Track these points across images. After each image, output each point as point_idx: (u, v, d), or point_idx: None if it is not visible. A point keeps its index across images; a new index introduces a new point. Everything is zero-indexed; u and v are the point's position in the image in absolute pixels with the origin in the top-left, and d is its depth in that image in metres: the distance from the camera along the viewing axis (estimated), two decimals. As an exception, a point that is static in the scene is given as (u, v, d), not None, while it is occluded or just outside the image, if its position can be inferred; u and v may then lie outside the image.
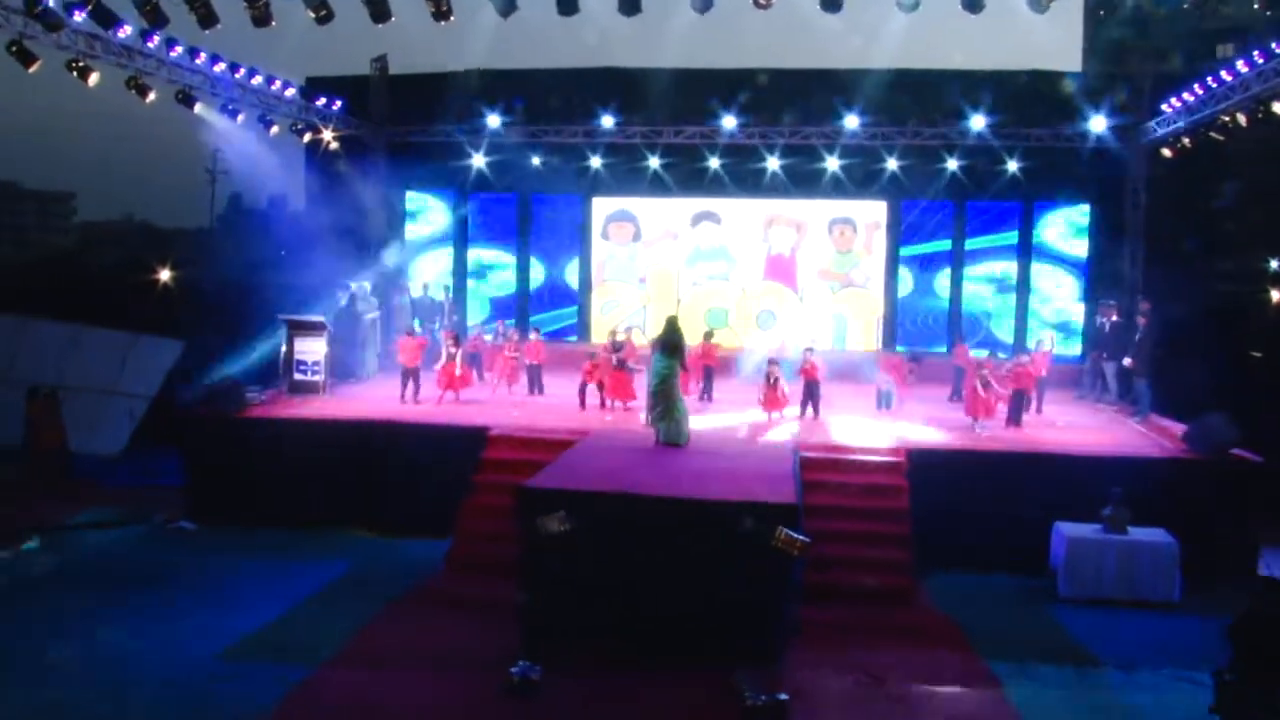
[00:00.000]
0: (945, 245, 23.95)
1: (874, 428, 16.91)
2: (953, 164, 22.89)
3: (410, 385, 18.21)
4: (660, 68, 24.25)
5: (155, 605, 12.90)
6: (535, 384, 19.30)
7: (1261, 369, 20.31)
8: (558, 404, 18.38)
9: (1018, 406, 17.06)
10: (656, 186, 23.94)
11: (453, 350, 18.20)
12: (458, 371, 18.25)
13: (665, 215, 24.70)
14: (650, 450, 14.50)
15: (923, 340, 23.49)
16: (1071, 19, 55.03)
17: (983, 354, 18.97)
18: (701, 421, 16.47)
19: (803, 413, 17.50)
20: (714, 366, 19.11)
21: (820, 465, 14.77)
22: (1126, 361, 18.08)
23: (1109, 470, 14.76)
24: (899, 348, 20.91)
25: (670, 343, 14.86)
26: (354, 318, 20.39)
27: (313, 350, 18.59)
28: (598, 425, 16.62)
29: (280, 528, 15.80)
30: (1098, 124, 21.44)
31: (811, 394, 17.55)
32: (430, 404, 18.00)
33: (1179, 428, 16.84)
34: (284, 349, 18.68)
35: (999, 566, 14.50)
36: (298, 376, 18.64)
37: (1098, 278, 22.73)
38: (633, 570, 11.31)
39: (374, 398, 18.70)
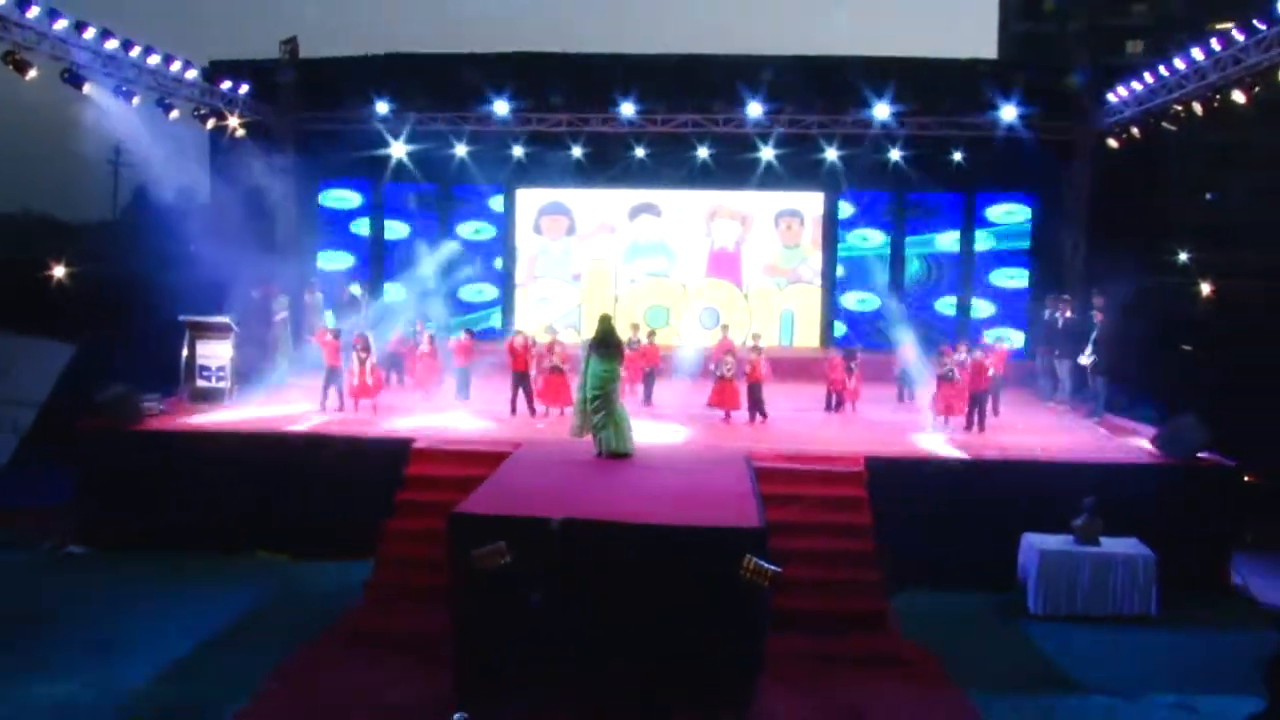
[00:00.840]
0: (885, 237, 22.90)
1: (826, 432, 15.69)
2: (894, 154, 21.80)
3: (333, 390, 16.50)
4: (586, 52, 23.03)
5: (25, 655, 11.05)
6: (462, 389, 17.69)
7: (1211, 364, 19.57)
8: (486, 410, 16.81)
9: (978, 409, 15.96)
10: (585, 177, 22.47)
11: (363, 356, 16.50)
12: (369, 380, 16.57)
13: (601, 207, 23.25)
14: (592, 464, 13.06)
15: (863, 337, 22.44)
16: (987, 11, 54.85)
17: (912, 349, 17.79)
18: (644, 427, 15.12)
19: (751, 418, 16.22)
20: (655, 368, 17.71)
21: (774, 476, 13.44)
22: (1084, 359, 17.12)
23: (1077, 477, 13.77)
24: (843, 345, 19.62)
25: (607, 344, 13.42)
26: (263, 318, 18.56)
27: (217, 354, 16.76)
28: (529, 434, 15.15)
29: (183, 552, 14.04)
30: (1040, 114, 20.61)
31: (755, 398, 16.27)
32: (350, 412, 16.35)
33: (1139, 428, 15.99)
34: (185, 353, 16.82)
35: (964, 581, 13.34)
36: (201, 383, 16.80)
37: (1042, 271, 21.89)
38: (583, 605, 9.86)
39: (287, 405, 16.91)
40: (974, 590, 13.30)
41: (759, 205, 22.99)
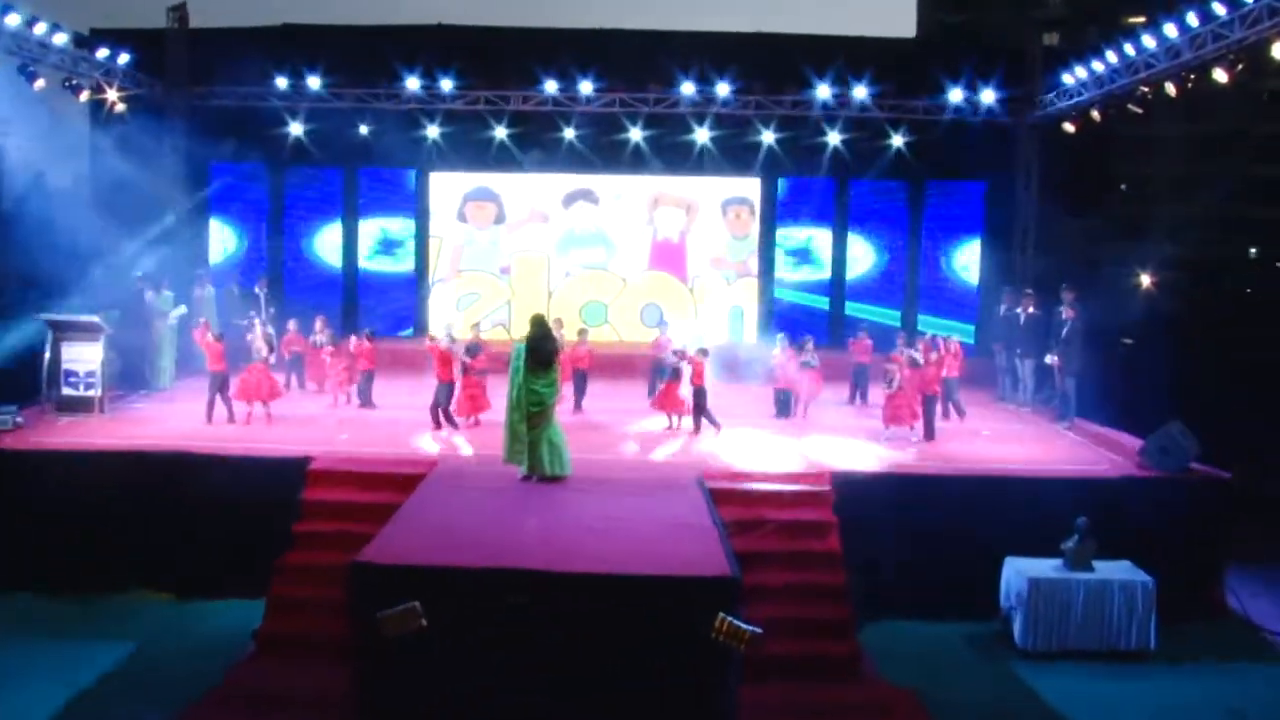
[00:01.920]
0: (825, 227, 21.16)
1: (782, 444, 13.86)
2: (834, 138, 20.13)
3: (220, 399, 14.15)
4: (505, 26, 21.02)
5: None
6: (364, 396, 15.47)
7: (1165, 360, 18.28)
8: (394, 420, 14.65)
9: (929, 415, 14.28)
10: (511, 160, 20.37)
11: (264, 354, 14.23)
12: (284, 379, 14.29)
13: (533, 194, 21.14)
14: (522, 488, 11.06)
15: (802, 331, 20.77)
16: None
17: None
18: (579, 440, 13.21)
19: (696, 428, 14.33)
20: (587, 371, 15.70)
21: (729, 499, 11.56)
22: (1050, 359, 15.55)
23: (1060, 492, 12.16)
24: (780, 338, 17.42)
25: (544, 351, 11.41)
26: (143, 315, 16.10)
27: (85, 358, 14.26)
28: (446, 448, 13.09)
29: (41, 594, 11.71)
30: (986, 96, 19.15)
31: (700, 405, 14.38)
32: (241, 424, 14.06)
33: (1115, 435, 14.47)
34: (47, 356, 14.35)
35: (943, 610, 11.69)
36: (67, 391, 14.30)
37: (991, 264, 20.41)
38: (516, 672, 7.90)
39: (168, 417, 14.49)
40: (954, 620, 11.68)
41: (705, 192, 21.15)
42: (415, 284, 21.00)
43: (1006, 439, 14.52)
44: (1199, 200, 39.13)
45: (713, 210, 21.18)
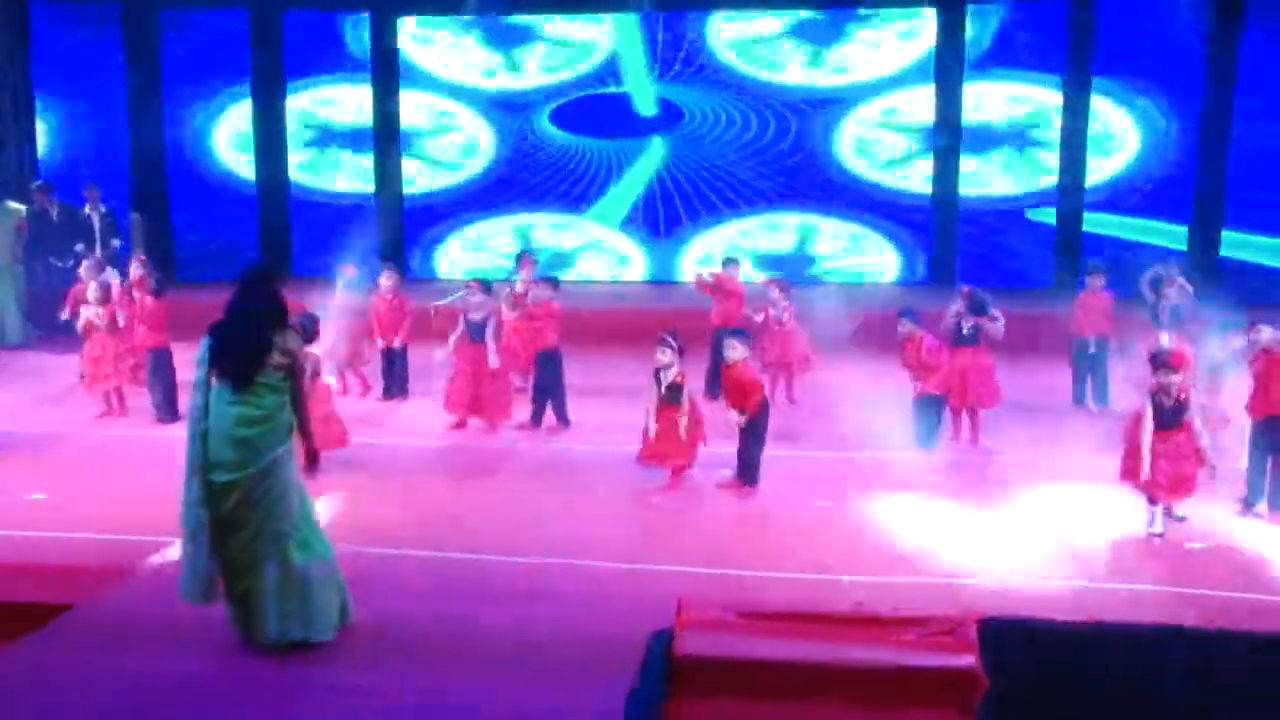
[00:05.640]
0: (1052, 85, 14.68)
1: (890, 522, 7.47)
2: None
3: None
4: None
5: None
6: (158, 401, 9.84)
7: None
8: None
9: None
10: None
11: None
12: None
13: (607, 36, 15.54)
14: (229, 672, 5.32)
15: (1005, 276, 14.09)
16: None
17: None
18: (485, 512, 7.64)
19: (742, 477, 8.03)
20: (556, 352, 9.62)
21: (737, 677, 5.42)
22: None
23: None
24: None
25: (252, 344, 5.40)
26: None
27: None
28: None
29: None
30: None
31: (755, 434, 7.99)
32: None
33: None
34: None
35: None
36: None
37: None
38: None
39: None
40: None
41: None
42: (378, 202, 15.62)
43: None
44: None
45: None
